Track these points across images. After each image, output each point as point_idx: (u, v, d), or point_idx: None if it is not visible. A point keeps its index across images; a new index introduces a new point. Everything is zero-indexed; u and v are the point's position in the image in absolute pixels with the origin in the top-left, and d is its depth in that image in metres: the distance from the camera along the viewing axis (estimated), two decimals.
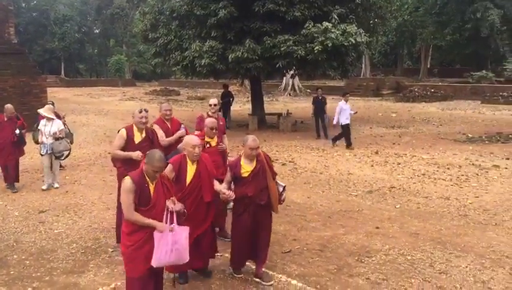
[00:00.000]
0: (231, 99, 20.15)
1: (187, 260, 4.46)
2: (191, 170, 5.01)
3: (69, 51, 62.58)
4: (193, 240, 4.83)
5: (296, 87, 38.43)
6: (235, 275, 5.41)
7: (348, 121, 14.14)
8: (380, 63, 51.46)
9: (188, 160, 5.01)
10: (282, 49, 15.72)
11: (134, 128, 6.14)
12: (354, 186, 9.66)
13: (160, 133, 6.56)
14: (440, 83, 35.00)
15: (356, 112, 15.42)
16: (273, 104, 28.66)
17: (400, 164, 11.78)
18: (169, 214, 4.29)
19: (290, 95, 37.35)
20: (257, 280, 5.27)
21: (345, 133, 14.26)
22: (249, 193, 5.02)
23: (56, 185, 9.59)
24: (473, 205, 8.22)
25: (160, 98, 34.88)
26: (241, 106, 27.53)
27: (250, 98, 22.09)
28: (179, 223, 4.36)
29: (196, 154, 4.96)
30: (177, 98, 35.68)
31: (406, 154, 12.93)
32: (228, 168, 5.25)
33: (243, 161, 5.13)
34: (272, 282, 5.23)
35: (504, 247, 6.27)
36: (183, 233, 4.39)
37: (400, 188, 9.41)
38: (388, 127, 18.87)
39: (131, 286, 4.31)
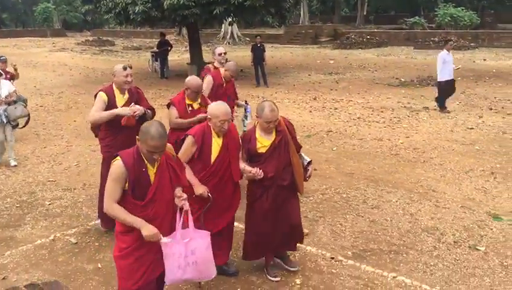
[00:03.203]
0: (169, 48, 19.69)
1: (214, 275, 3.49)
2: (216, 142, 4.00)
3: None
4: (215, 233, 3.96)
5: (235, 36, 37.88)
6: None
7: (451, 77, 11.27)
8: (318, 11, 51.45)
9: (212, 131, 4.00)
10: None
11: (115, 90, 4.94)
12: None
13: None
14: (376, 30, 35.69)
15: (459, 67, 12.45)
16: None
17: (336, 108, 12.10)
18: (182, 214, 3.23)
19: (229, 43, 36.79)
20: (278, 260, 4.49)
21: (445, 91, 11.38)
22: (269, 172, 3.99)
23: (13, 162, 7.78)
24: (403, 144, 8.68)
25: (94, 49, 33.32)
26: (180, 56, 26.82)
27: (188, 48, 21.56)
28: (200, 219, 3.40)
29: (224, 130, 3.94)
30: (112, 49, 34.15)
31: (342, 100, 13.28)
32: (241, 143, 4.22)
33: (258, 133, 4.08)
34: (298, 267, 4.46)
35: (431, 182, 6.73)
36: (203, 240, 3.28)
37: (336, 132, 9.73)
38: (326, 73, 19.15)
39: None
